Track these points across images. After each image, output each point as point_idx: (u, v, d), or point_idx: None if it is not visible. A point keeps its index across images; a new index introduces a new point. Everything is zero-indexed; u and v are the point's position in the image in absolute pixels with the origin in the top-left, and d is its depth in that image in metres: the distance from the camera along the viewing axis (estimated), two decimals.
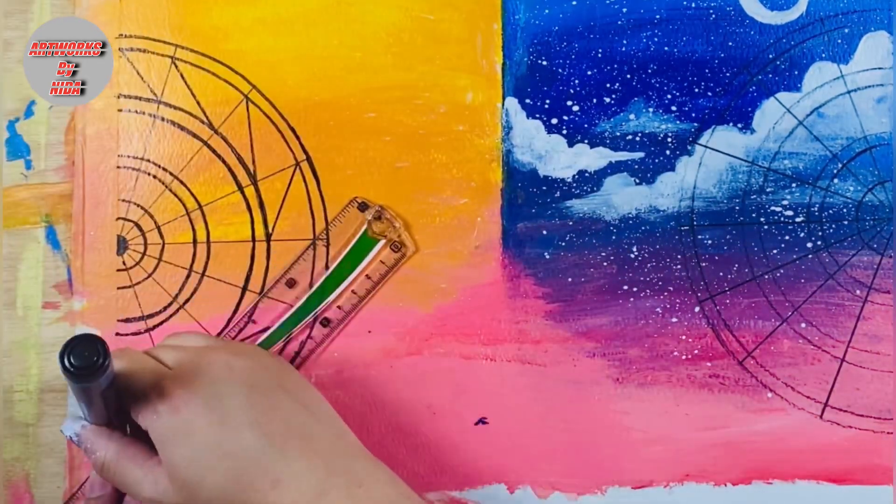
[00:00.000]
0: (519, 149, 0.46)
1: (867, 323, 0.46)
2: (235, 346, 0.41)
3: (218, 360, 0.37)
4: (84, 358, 0.32)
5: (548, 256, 0.46)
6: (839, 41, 0.46)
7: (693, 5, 0.46)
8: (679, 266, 0.46)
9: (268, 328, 0.45)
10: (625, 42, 0.46)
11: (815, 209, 0.46)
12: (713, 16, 0.46)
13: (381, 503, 0.35)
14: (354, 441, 0.38)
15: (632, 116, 0.46)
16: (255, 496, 0.34)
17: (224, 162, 0.45)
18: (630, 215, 0.46)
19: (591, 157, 0.46)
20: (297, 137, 0.45)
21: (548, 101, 0.46)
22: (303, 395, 0.38)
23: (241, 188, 0.45)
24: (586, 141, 0.46)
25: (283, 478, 0.34)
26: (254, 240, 0.45)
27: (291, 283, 0.45)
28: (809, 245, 0.46)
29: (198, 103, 0.45)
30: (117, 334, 0.45)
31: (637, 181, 0.46)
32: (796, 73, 0.46)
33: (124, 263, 0.45)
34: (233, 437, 0.34)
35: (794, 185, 0.46)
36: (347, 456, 0.36)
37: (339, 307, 0.45)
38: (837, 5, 0.46)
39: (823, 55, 0.46)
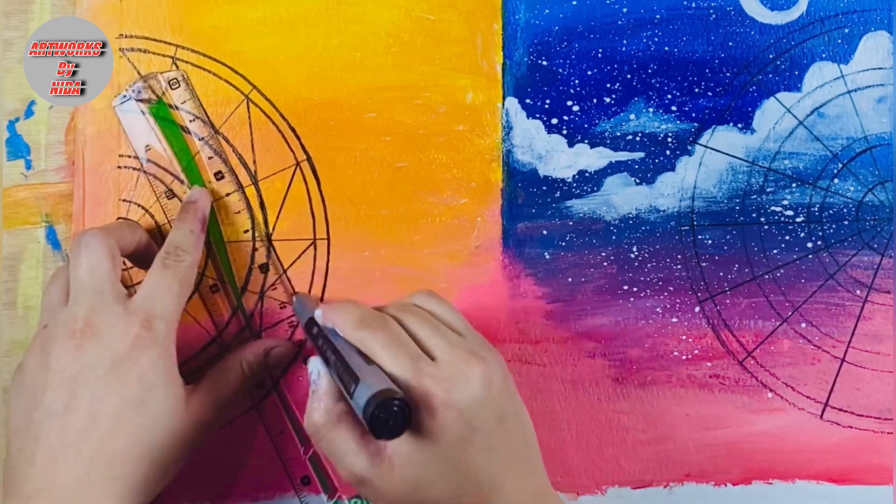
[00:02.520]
0: (519, 149, 0.46)
1: (867, 323, 0.46)
2: (490, 356, 0.37)
3: (480, 375, 0.35)
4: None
5: (548, 256, 0.46)
6: (839, 41, 0.46)
7: (693, 5, 0.46)
8: (679, 266, 0.46)
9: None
10: (625, 42, 0.46)
11: (816, 209, 0.46)
12: (713, 16, 0.46)
13: None
14: (544, 480, 0.38)
15: (632, 116, 0.46)
16: None
17: (225, 162, 0.45)
18: (630, 215, 0.46)
19: (592, 157, 0.46)
20: (298, 137, 0.45)
21: (548, 101, 0.46)
22: (524, 427, 0.37)
23: (241, 188, 0.45)
24: (586, 141, 0.46)
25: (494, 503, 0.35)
26: (254, 240, 0.45)
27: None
28: (809, 245, 0.46)
29: (199, 103, 0.45)
30: None
31: (637, 181, 0.46)
32: (796, 73, 0.46)
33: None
34: (469, 460, 0.34)
35: (794, 185, 0.46)
36: (536, 496, 0.36)
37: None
38: (837, 5, 0.46)
39: (823, 55, 0.46)
